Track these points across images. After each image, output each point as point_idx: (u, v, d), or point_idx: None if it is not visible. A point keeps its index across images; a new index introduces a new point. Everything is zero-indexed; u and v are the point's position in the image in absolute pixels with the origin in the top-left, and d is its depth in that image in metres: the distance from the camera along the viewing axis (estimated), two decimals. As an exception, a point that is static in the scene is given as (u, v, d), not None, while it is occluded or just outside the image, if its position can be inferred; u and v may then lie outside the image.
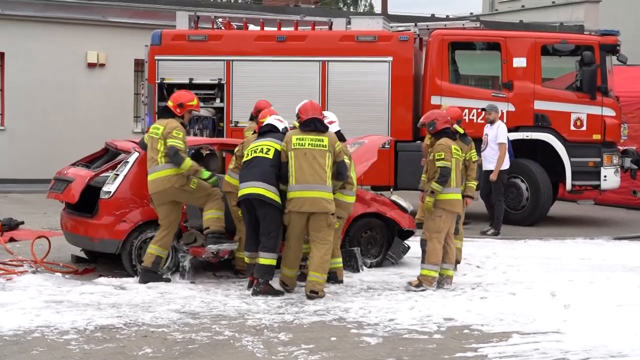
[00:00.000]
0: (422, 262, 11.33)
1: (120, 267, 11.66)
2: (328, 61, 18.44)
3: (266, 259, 10.52)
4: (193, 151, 12.19)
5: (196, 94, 16.98)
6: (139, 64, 23.57)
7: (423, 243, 11.37)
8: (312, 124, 10.64)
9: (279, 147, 10.69)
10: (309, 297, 10.44)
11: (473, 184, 12.49)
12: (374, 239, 12.65)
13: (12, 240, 14.11)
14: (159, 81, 18.46)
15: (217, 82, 18.52)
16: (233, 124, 18.43)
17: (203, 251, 11.27)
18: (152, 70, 18.57)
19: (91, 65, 25.21)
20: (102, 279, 11.26)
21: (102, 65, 25.29)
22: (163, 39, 18.60)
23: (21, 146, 24.14)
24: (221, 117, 18.50)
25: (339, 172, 10.66)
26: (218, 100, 18.59)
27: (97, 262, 12.45)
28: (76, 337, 8.60)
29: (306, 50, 18.51)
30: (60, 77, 24.71)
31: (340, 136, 11.02)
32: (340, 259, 11.41)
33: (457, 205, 11.47)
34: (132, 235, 11.46)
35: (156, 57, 18.54)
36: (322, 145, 10.53)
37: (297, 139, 10.56)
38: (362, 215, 12.40)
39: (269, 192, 10.50)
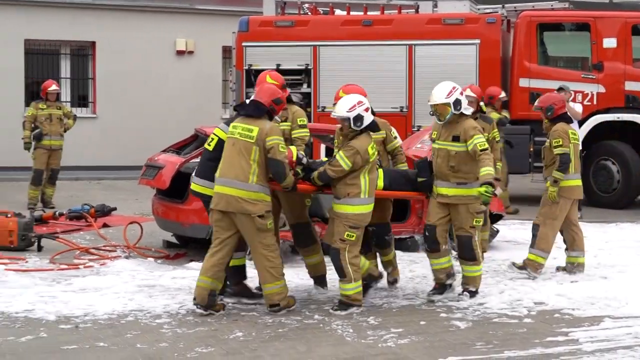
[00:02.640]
0: (531, 246, 11.14)
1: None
2: (415, 45, 18.36)
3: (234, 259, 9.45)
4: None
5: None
6: (226, 51, 23.76)
7: (535, 227, 11.18)
8: (245, 108, 9.21)
9: (224, 137, 9.30)
10: (272, 311, 9.11)
11: (498, 165, 12.31)
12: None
13: (105, 226, 14.38)
14: (246, 67, 18.60)
15: (304, 67, 18.59)
16: (320, 109, 18.48)
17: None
18: (240, 57, 18.72)
19: (180, 53, 25.46)
20: (193, 264, 11.40)
21: (191, 52, 25.54)
22: (250, 25, 18.73)
23: (112, 133, 24.51)
24: (308, 102, 18.55)
25: (272, 173, 8.99)
26: (305, 85, 18.66)
27: (188, 247, 12.62)
28: (169, 321, 8.75)
29: (392, 34, 18.46)
30: (150, 65, 25.01)
31: (373, 126, 9.39)
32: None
33: (577, 191, 11.26)
34: (222, 220, 11.58)
35: (244, 44, 18.68)
36: (250, 137, 8.92)
37: (232, 126, 9.09)
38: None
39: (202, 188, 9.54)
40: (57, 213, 14.81)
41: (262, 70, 17.85)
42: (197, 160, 11.79)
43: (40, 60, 24.68)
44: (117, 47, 24.64)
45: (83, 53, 25.22)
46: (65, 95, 24.48)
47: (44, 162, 17.10)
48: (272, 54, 18.58)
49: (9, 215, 12.66)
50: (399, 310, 9.39)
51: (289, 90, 10.28)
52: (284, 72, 17.97)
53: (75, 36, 24.62)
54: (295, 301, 9.29)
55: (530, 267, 11.00)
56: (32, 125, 17.02)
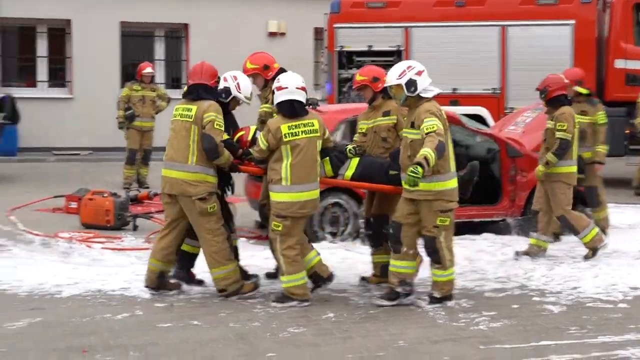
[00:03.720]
0: (576, 234, 10.88)
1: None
2: (508, 26, 18.15)
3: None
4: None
5: (375, 61, 17.26)
6: (318, 33, 23.78)
7: (563, 219, 10.90)
8: (191, 92, 8.98)
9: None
10: (222, 296, 8.97)
11: (602, 148, 12.07)
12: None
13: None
14: (338, 49, 18.60)
15: (395, 48, 18.51)
16: (411, 91, 18.36)
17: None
18: (331, 39, 18.72)
19: (272, 35, 25.58)
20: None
21: (283, 34, 25.64)
22: (342, 6, 18.71)
23: (205, 115, 24.75)
24: (400, 84, 18.44)
25: (203, 148, 8.72)
26: (397, 67, 18.55)
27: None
28: (261, 301, 8.84)
29: (485, 15, 18.27)
30: (242, 46, 25.06)
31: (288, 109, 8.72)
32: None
33: (574, 177, 10.95)
34: (313, 202, 11.63)
35: (335, 25, 18.67)
36: (189, 117, 8.80)
37: (175, 108, 9.02)
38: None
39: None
40: (152, 193, 15.00)
41: (354, 52, 18.15)
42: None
43: (135, 42, 25.04)
44: (210, 29, 24.85)
45: (177, 35, 25.52)
46: (160, 77, 24.83)
47: (136, 142, 17.37)
48: (364, 35, 18.54)
49: (105, 195, 12.90)
50: (491, 293, 9.33)
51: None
52: (376, 54, 18.17)
53: (169, 18, 24.91)
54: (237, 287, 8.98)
55: (592, 246, 10.81)
56: (125, 105, 17.30)
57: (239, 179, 13.83)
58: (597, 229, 10.91)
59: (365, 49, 18.32)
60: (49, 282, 9.34)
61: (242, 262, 10.17)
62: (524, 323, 8.18)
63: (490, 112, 17.70)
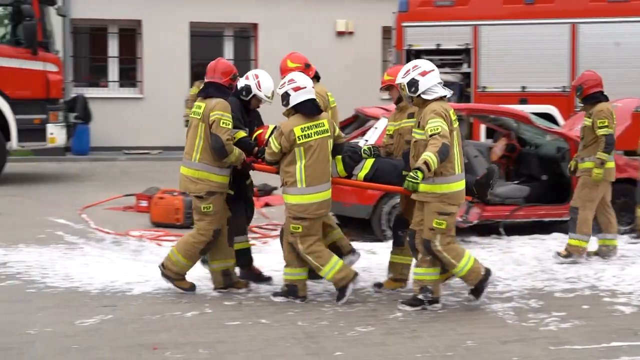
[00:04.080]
0: (571, 231, 10.72)
1: (370, 232, 11.85)
2: (578, 23, 17.94)
3: None
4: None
5: (443, 59, 17.20)
6: (386, 31, 23.73)
7: (574, 211, 10.76)
8: (203, 90, 9.13)
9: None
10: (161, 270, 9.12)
11: None
12: (627, 205, 12.23)
13: (267, 205, 14.63)
14: (406, 48, 18.54)
15: (464, 47, 18.39)
16: (480, 89, 18.28)
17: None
18: (400, 37, 18.67)
19: (340, 34, 25.60)
20: (352, 244, 11.47)
21: (351, 33, 25.63)
22: (410, 5, 18.64)
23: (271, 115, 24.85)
24: (468, 82, 18.38)
25: (210, 147, 8.80)
26: (465, 65, 18.47)
27: (347, 226, 12.69)
28: (329, 299, 8.85)
29: (555, 13, 18.05)
30: (310, 46, 25.14)
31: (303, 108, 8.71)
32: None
33: (614, 173, 10.78)
34: (382, 201, 11.64)
35: (403, 24, 18.61)
36: (198, 114, 8.92)
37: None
38: (616, 181, 12.01)
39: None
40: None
41: (422, 50, 18.08)
42: (357, 140, 11.90)
43: (204, 42, 25.23)
44: (278, 29, 24.94)
45: (245, 35, 25.65)
46: (228, 76, 25.03)
47: None
48: (432, 34, 18.46)
49: (175, 194, 13.02)
50: (561, 293, 9.25)
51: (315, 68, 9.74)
52: (444, 52, 18.09)
53: (238, 18, 25.05)
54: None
55: (574, 253, 10.65)
56: (193, 104, 17.39)
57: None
58: (587, 245, 10.75)
59: (434, 47, 18.25)
60: (120, 280, 9.46)
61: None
62: (595, 324, 8.10)
63: (560, 110, 17.51)
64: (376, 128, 11.86)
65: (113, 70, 24.60)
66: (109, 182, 17.94)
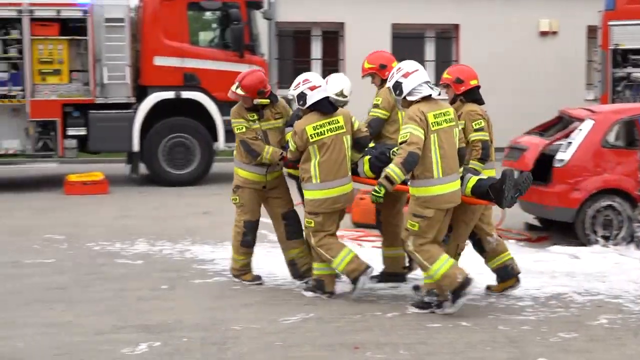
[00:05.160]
0: None
1: (573, 236, 11.60)
2: None
3: None
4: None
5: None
6: (591, 31, 23.14)
7: None
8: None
9: None
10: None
11: None
12: None
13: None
14: (612, 47, 18.00)
15: (675, 46, 17.72)
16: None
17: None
18: (606, 37, 18.11)
19: (543, 34, 25.14)
20: (555, 247, 11.30)
21: (554, 33, 25.13)
22: (617, 3, 18.07)
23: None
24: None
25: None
26: (676, 66, 17.78)
27: (550, 230, 12.49)
28: (530, 304, 8.73)
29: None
30: (512, 46, 24.89)
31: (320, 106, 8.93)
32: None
33: None
34: (585, 204, 11.38)
35: (610, 23, 18.05)
36: None
37: None
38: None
39: None
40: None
41: (629, 50, 17.52)
42: (561, 142, 11.69)
43: (405, 44, 25.29)
44: (480, 29, 24.73)
45: (447, 36, 25.56)
46: (430, 78, 25.00)
47: None
48: (640, 33, 17.87)
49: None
50: None
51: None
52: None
53: (440, 19, 24.98)
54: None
55: None
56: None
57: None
58: None
59: (641, 47, 17.66)
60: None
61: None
62: None
63: None
64: (580, 130, 11.60)
65: (316, 72, 24.94)
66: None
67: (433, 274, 8.32)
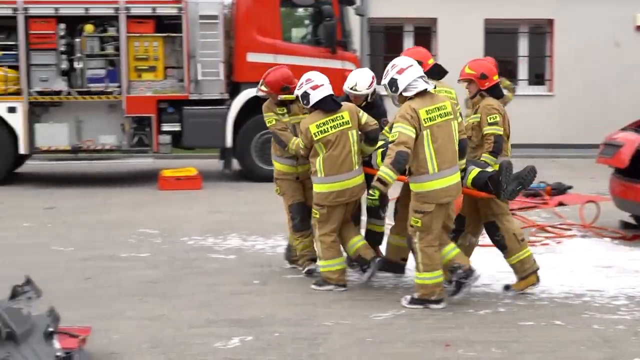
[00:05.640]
0: None
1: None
2: None
3: None
4: None
5: None
6: (690, 25, 22.69)
7: None
8: None
9: None
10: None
11: None
12: None
13: (561, 204, 14.37)
14: None
15: None
16: None
17: None
18: None
19: (639, 28, 24.70)
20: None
21: (651, 27, 24.71)
22: None
23: (569, 111, 24.34)
24: None
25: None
26: None
27: (645, 228, 12.29)
28: (626, 303, 8.59)
29: None
30: (608, 40, 24.51)
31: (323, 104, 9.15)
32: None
33: None
34: (683, 202, 11.17)
35: None
36: None
37: None
38: None
39: None
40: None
41: None
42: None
43: (498, 39, 25.07)
44: (575, 24, 24.39)
45: (541, 31, 25.25)
46: (523, 73, 24.78)
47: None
48: None
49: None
50: None
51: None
52: None
53: (534, 14, 24.71)
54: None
55: None
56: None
57: (603, 178, 13.47)
58: None
59: None
60: (413, 275, 9.59)
61: (607, 263, 9.97)
62: None
63: None
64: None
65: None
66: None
67: (421, 277, 8.44)
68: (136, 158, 17.91)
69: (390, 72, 8.45)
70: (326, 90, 9.09)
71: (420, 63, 9.06)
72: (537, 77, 25.33)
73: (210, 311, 8.33)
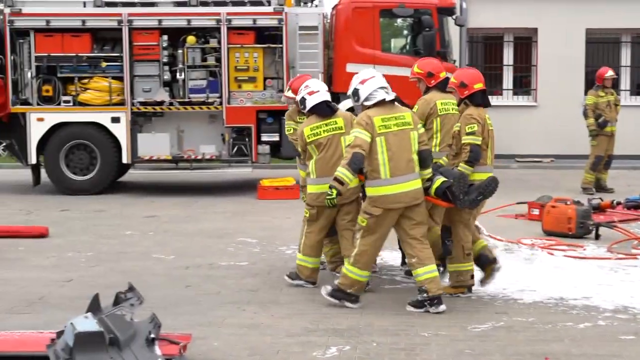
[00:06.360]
0: None
1: None
2: None
3: None
4: None
5: None
6: None
7: None
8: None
9: None
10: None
11: None
12: None
13: None
14: None
15: None
16: None
17: None
18: None
19: None
20: None
21: None
22: None
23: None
24: None
25: None
26: None
27: None
28: None
29: None
30: None
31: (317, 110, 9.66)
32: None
33: None
34: None
35: None
36: None
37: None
38: None
39: None
40: (614, 202, 14.80)
41: None
42: None
43: (599, 49, 24.73)
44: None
45: (644, 40, 24.86)
46: (625, 83, 24.38)
47: (604, 148, 17.56)
48: None
49: (568, 203, 12.90)
50: None
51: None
52: None
53: (638, 23, 24.30)
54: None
55: None
56: (594, 113, 17.40)
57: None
58: None
59: None
60: (511, 287, 9.55)
61: None
62: None
63: None
64: None
65: (507, 78, 24.77)
66: (501, 190, 18.00)
67: (348, 271, 8.80)
68: (235, 168, 18.13)
69: (354, 82, 8.86)
70: (322, 96, 9.60)
71: (431, 75, 9.81)
72: (639, 87, 24.91)
73: (308, 320, 8.39)
